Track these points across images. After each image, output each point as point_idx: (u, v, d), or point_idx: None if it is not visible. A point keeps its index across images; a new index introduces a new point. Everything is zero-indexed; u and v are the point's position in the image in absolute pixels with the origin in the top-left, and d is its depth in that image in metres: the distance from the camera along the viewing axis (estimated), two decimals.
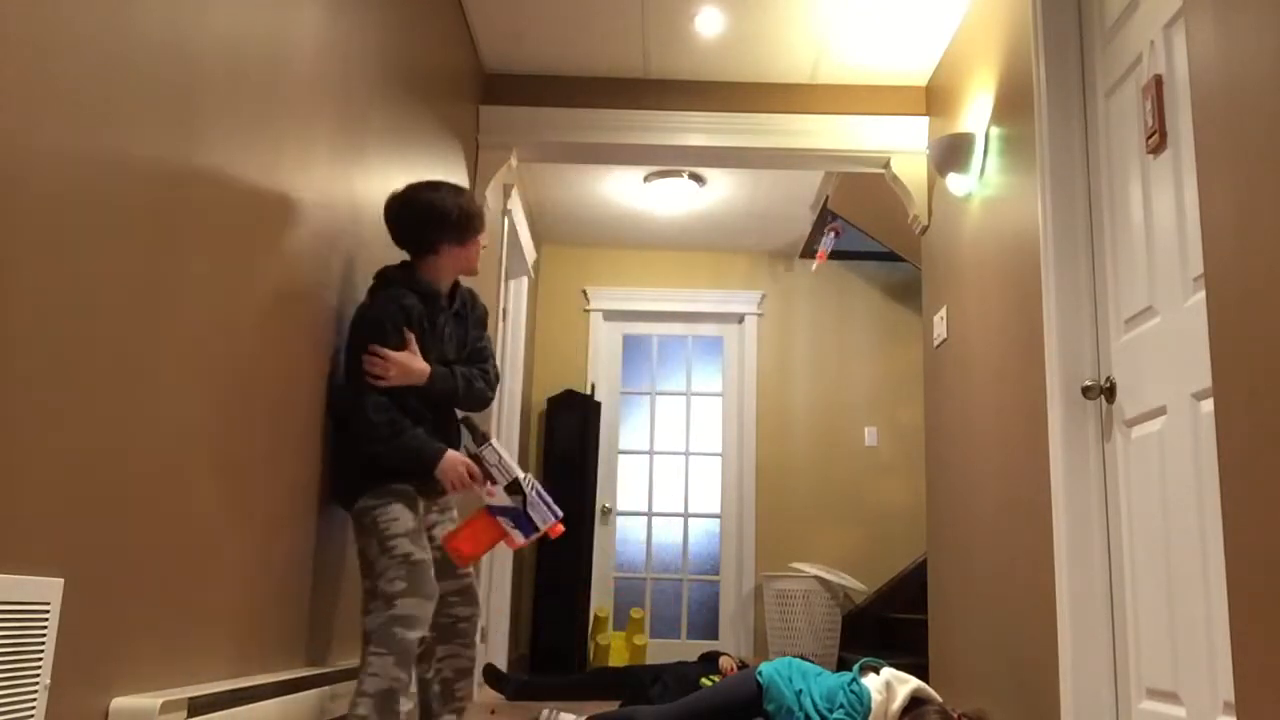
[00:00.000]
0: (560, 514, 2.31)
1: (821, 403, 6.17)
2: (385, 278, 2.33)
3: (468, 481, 2.24)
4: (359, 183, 2.46)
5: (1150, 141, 2.30)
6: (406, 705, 2.08)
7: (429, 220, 2.32)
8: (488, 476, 2.26)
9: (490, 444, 2.28)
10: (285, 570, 2.05)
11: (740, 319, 6.35)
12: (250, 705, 1.66)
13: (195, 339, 1.61)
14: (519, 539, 2.28)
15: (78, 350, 1.29)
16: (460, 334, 2.44)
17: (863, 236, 5.48)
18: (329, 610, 2.34)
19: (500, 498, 2.27)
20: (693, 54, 3.97)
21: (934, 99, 4.01)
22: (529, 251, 5.61)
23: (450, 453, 2.24)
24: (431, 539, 2.36)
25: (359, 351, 2.22)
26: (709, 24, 3.76)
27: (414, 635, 2.11)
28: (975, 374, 3.34)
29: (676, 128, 4.11)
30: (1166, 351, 2.23)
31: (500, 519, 2.27)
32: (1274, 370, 1.40)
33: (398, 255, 2.39)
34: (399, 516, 2.19)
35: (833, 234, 5.55)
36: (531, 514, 2.27)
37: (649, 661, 5.51)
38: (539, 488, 2.29)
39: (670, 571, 6.17)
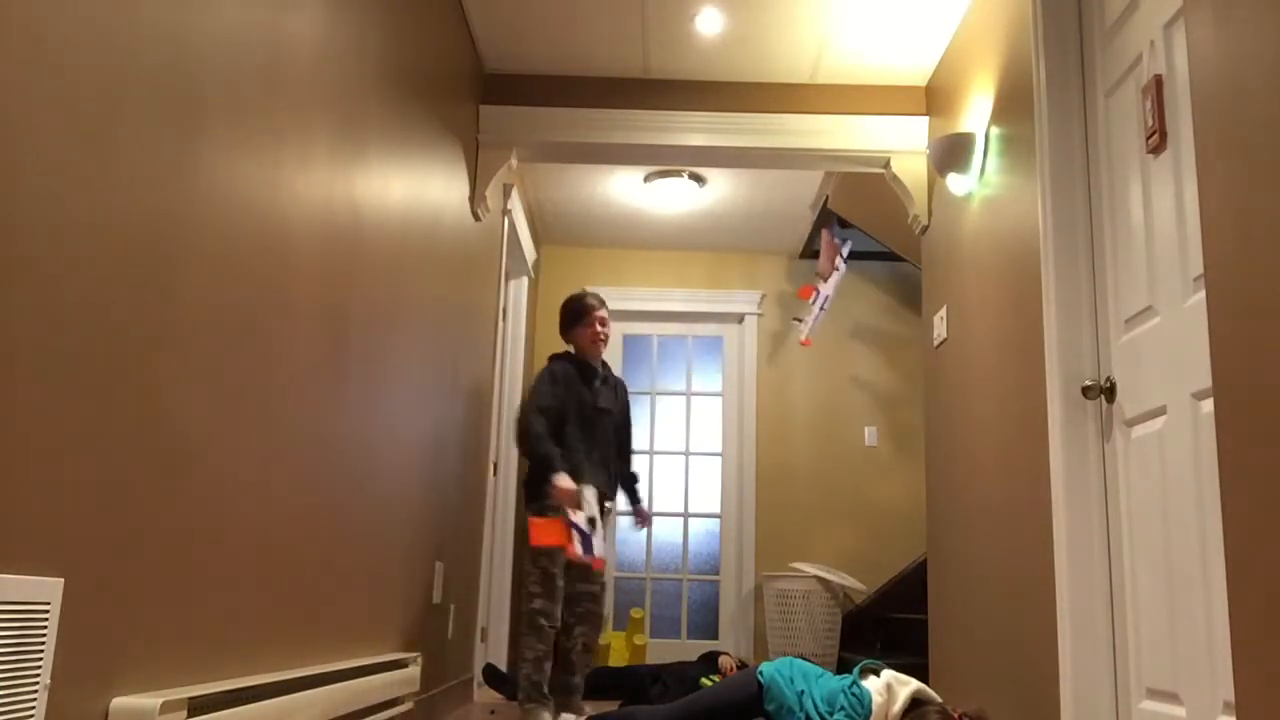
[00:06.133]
0: (602, 557, 3.47)
1: (821, 403, 6.17)
2: (555, 357, 3.79)
3: (566, 498, 3.39)
4: (359, 182, 2.46)
5: (1150, 141, 2.30)
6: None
7: (563, 318, 3.84)
8: (578, 506, 3.39)
9: (589, 488, 3.48)
10: (287, 569, 2.05)
11: (740, 319, 6.35)
12: (250, 705, 1.66)
13: (195, 339, 1.61)
14: (576, 549, 3.36)
15: (78, 348, 1.29)
16: (613, 402, 3.83)
17: (863, 236, 5.48)
18: (331, 609, 2.34)
19: (580, 520, 3.38)
20: (693, 54, 3.97)
21: (934, 99, 4.01)
22: (529, 251, 5.61)
23: (564, 475, 3.41)
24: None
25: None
26: (709, 24, 3.76)
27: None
28: (975, 374, 3.34)
29: (676, 128, 4.11)
30: (1166, 351, 2.23)
31: (572, 531, 3.36)
32: (1274, 370, 1.40)
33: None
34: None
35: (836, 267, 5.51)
36: (594, 541, 3.41)
37: (649, 661, 5.51)
38: (601, 534, 3.48)
39: (670, 571, 6.17)
